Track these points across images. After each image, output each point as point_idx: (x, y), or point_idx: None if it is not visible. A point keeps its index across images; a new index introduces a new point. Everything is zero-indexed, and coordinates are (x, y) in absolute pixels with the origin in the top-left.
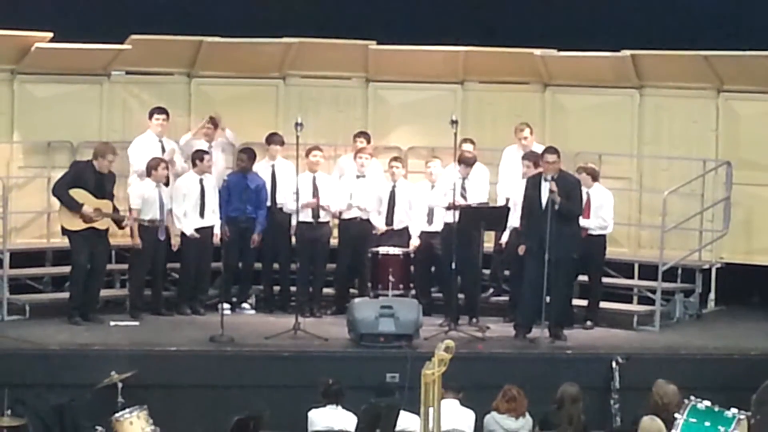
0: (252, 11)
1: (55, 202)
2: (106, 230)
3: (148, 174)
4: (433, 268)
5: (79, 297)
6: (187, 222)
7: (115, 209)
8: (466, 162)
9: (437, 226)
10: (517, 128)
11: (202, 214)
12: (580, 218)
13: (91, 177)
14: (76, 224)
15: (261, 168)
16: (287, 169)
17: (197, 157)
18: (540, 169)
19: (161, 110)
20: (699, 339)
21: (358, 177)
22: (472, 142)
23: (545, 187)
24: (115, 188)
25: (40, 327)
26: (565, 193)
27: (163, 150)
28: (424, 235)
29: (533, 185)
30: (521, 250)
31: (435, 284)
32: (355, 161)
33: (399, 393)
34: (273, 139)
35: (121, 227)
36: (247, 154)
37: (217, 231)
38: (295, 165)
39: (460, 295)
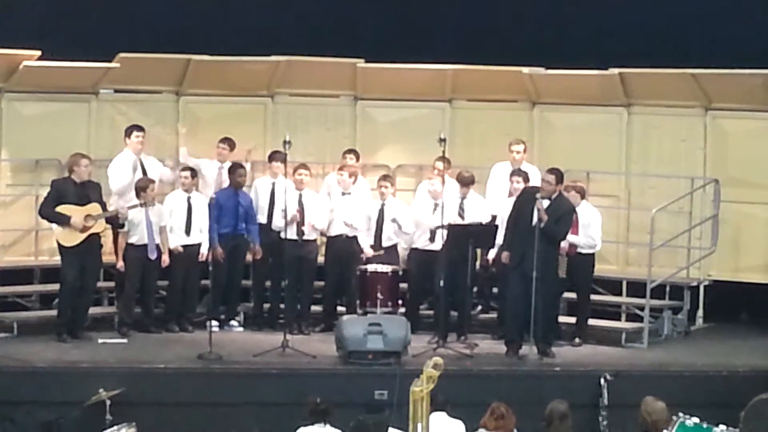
0: (240, 29)
1: (43, 220)
2: (100, 246)
3: (137, 195)
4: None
5: (67, 314)
6: (173, 238)
7: (104, 209)
8: (464, 182)
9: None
10: (512, 143)
11: (188, 232)
12: (569, 234)
13: (72, 189)
14: (75, 238)
15: (261, 185)
16: (286, 187)
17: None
18: (536, 185)
19: (140, 128)
20: (687, 356)
21: (343, 194)
22: (448, 161)
23: (537, 206)
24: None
25: (28, 345)
26: (555, 217)
27: (143, 168)
28: (414, 252)
29: (527, 199)
30: (505, 257)
31: (423, 301)
32: (337, 178)
33: (387, 410)
34: (275, 156)
35: (120, 225)
36: (243, 170)
37: (203, 250)
38: (291, 183)
39: (452, 313)
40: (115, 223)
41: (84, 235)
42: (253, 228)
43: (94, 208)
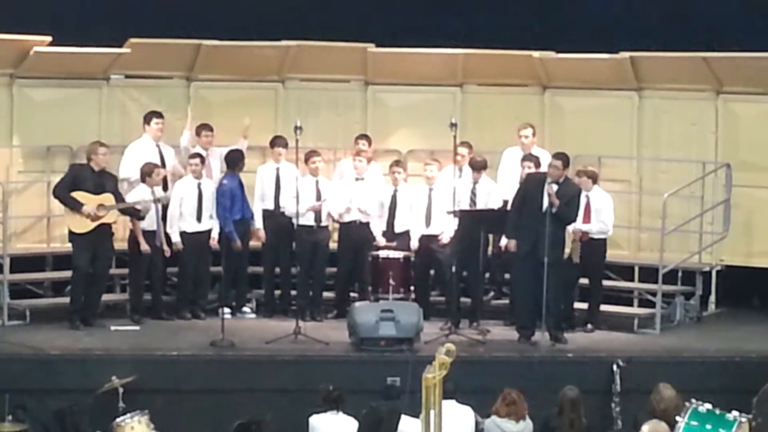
0: (250, 14)
1: (55, 207)
2: (111, 234)
3: (143, 180)
4: (431, 272)
5: (80, 301)
6: (183, 224)
7: (119, 200)
8: (476, 167)
9: (435, 229)
10: (520, 127)
11: (199, 219)
12: (581, 222)
13: (89, 177)
14: (85, 225)
15: (265, 171)
16: (291, 172)
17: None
18: (544, 170)
19: (160, 114)
20: (700, 342)
21: (357, 180)
22: (469, 146)
23: (548, 190)
24: None
25: (41, 332)
26: (565, 200)
27: (161, 155)
28: (423, 238)
29: (535, 184)
30: (512, 245)
31: (435, 288)
32: (354, 164)
33: (401, 396)
34: (277, 141)
35: (141, 218)
36: (240, 153)
37: (214, 235)
38: (295, 168)
39: (464, 299)
40: (136, 215)
41: (94, 224)
42: (250, 212)
43: (107, 198)
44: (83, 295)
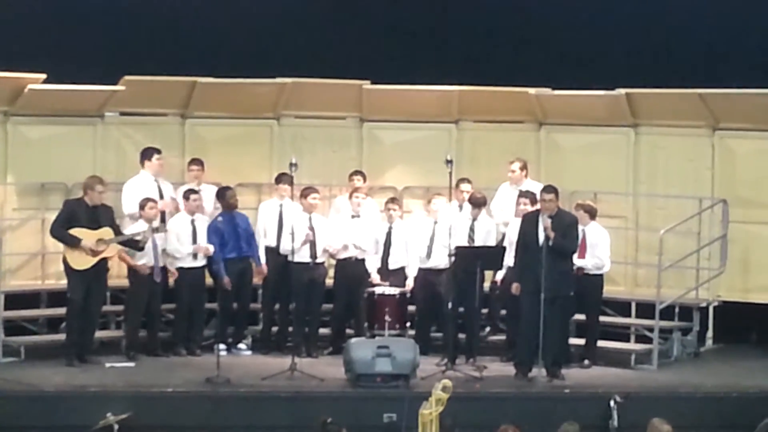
0: (245, 51)
1: (50, 244)
2: (106, 270)
3: (139, 215)
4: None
5: (75, 336)
6: (178, 261)
7: (118, 233)
8: (475, 203)
9: (435, 263)
10: (510, 162)
11: (194, 255)
12: (575, 257)
13: (84, 212)
14: (86, 262)
15: (268, 207)
16: (294, 209)
17: (185, 197)
18: (537, 207)
19: (158, 151)
20: (697, 377)
21: (353, 217)
22: (469, 182)
23: (542, 225)
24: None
25: (36, 369)
26: (561, 231)
27: (160, 191)
28: (423, 273)
29: (530, 222)
30: (515, 288)
31: (433, 323)
32: (350, 201)
33: None
34: (283, 179)
35: (141, 248)
36: (232, 191)
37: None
38: (298, 205)
39: (460, 335)
40: (135, 246)
41: (95, 259)
42: (254, 248)
43: (106, 232)
44: (78, 330)
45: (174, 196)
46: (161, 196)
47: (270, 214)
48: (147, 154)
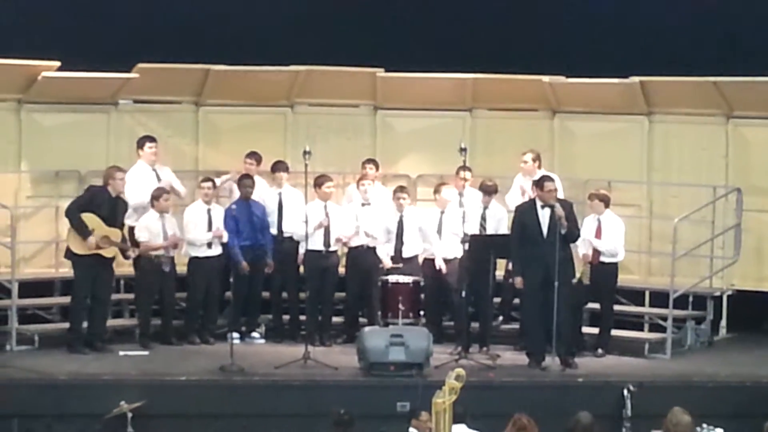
0: (259, 39)
1: (64, 232)
2: (112, 258)
3: (152, 205)
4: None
5: (80, 325)
6: (193, 249)
7: (124, 239)
8: (487, 191)
9: (444, 252)
10: (523, 152)
11: (209, 244)
12: (593, 237)
13: (106, 202)
14: (83, 249)
15: (268, 196)
16: (294, 196)
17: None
18: (531, 197)
19: (152, 138)
20: (710, 366)
21: (363, 205)
22: (469, 169)
23: (543, 215)
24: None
25: (49, 357)
26: (571, 219)
27: (158, 178)
28: (430, 261)
29: (528, 214)
30: (518, 282)
31: (446, 312)
32: (358, 189)
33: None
34: (279, 166)
35: (125, 257)
36: (251, 180)
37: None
38: (304, 193)
39: (473, 324)
40: (124, 254)
41: (91, 252)
42: (268, 238)
43: (115, 234)
44: (88, 319)
45: (173, 181)
46: None
47: (269, 203)
48: (140, 143)
